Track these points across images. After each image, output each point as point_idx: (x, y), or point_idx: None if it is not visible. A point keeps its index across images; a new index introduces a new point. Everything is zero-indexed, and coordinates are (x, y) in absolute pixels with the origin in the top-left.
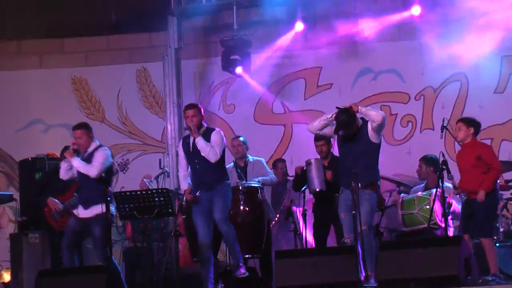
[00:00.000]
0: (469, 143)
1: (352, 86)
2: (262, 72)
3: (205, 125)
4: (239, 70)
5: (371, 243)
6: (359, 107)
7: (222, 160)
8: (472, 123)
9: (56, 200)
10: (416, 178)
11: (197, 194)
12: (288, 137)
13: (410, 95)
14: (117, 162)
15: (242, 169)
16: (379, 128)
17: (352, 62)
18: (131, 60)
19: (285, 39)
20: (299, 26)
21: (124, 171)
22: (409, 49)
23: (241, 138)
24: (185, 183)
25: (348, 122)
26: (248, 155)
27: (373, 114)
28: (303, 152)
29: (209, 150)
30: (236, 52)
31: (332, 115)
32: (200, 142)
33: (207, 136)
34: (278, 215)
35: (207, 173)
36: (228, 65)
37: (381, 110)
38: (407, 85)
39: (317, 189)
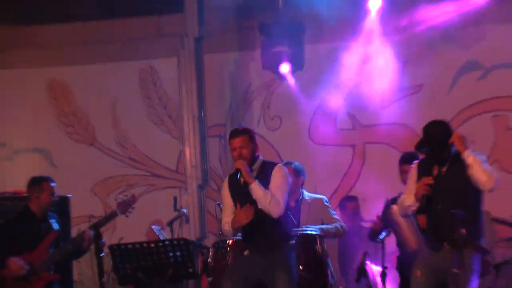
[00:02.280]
0: None
1: (451, 87)
2: (319, 71)
3: (260, 157)
4: (286, 68)
5: None
6: (466, 152)
7: (285, 209)
8: None
9: (20, 260)
10: None
11: (244, 253)
12: (360, 162)
13: None
14: (115, 200)
15: (293, 210)
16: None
17: (451, 53)
18: (132, 57)
19: (352, 23)
20: (375, 3)
21: (127, 214)
22: None
23: (293, 165)
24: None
25: (440, 139)
26: (303, 191)
27: (481, 180)
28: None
29: (269, 202)
30: (283, 42)
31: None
32: (256, 190)
33: (263, 175)
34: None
35: (262, 230)
36: (271, 61)
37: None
38: None
39: (415, 249)
